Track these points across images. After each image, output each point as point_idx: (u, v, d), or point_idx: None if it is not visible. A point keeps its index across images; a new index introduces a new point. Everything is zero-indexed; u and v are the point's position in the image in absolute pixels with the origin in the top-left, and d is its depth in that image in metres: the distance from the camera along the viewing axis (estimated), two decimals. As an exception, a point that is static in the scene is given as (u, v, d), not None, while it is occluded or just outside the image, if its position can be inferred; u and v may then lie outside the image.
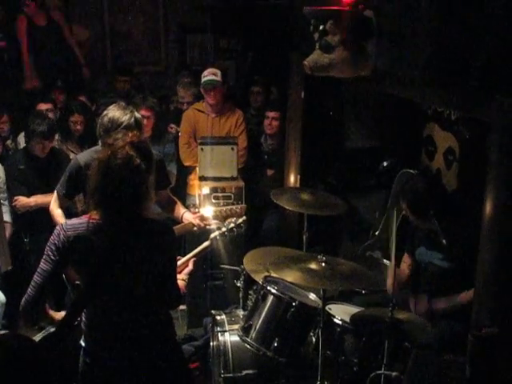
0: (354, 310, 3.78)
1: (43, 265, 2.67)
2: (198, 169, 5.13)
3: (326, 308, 3.57)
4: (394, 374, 3.30)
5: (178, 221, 4.00)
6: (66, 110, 5.57)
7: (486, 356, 2.86)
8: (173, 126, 5.85)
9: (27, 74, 6.54)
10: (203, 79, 5.36)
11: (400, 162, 5.03)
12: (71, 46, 6.90)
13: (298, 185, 5.26)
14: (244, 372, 3.63)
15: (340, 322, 3.63)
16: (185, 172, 5.64)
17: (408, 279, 4.12)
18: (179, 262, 3.20)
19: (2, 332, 3.97)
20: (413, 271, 4.13)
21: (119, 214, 2.61)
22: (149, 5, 7.70)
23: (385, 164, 5.17)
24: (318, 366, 3.38)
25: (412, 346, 3.41)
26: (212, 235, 3.75)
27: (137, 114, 3.72)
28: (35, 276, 2.68)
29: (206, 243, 3.66)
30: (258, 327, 3.54)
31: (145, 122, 4.55)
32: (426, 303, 3.86)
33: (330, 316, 3.66)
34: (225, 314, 4.01)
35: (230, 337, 3.75)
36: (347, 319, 3.56)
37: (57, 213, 3.85)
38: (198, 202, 5.10)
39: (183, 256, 3.45)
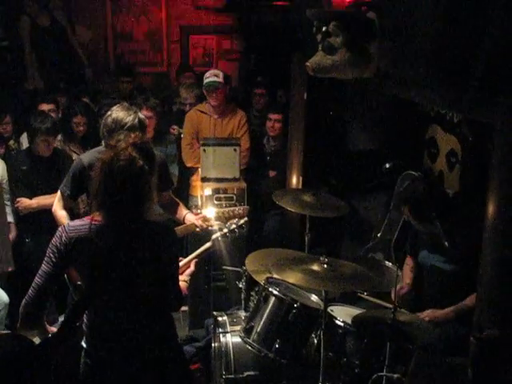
0: (356, 311, 3.77)
1: (44, 266, 2.67)
2: (200, 170, 5.14)
3: (328, 309, 3.57)
4: (395, 375, 3.30)
5: (180, 222, 4.00)
6: (69, 111, 5.57)
7: (488, 358, 2.86)
8: (175, 127, 5.85)
9: (30, 75, 6.55)
10: (205, 81, 5.36)
11: (402, 164, 5.02)
12: (74, 46, 6.92)
13: (300, 186, 5.26)
14: (245, 373, 3.63)
15: (342, 324, 3.63)
16: (187, 173, 5.64)
17: (411, 283, 4.12)
18: (181, 263, 3.19)
19: (3, 332, 3.97)
20: (415, 274, 4.13)
21: (121, 215, 2.61)
22: (151, 6, 7.72)
23: (387, 166, 5.16)
24: (319, 368, 3.38)
25: (414, 348, 3.41)
26: (214, 236, 3.76)
27: (141, 115, 3.72)
28: (36, 278, 2.68)
29: (208, 244, 3.66)
30: (259, 328, 3.53)
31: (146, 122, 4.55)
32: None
33: (332, 317, 3.66)
34: (226, 315, 4.01)
35: (231, 338, 3.75)
36: (349, 321, 3.56)
37: (60, 214, 3.82)
38: (200, 202, 5.10)
39: (185, 257, 3.46)
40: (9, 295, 4.48)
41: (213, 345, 4.03)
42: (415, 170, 4.78)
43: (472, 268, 3.27)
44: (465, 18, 2.87)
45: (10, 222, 4.75)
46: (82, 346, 2.79)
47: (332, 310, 3.78)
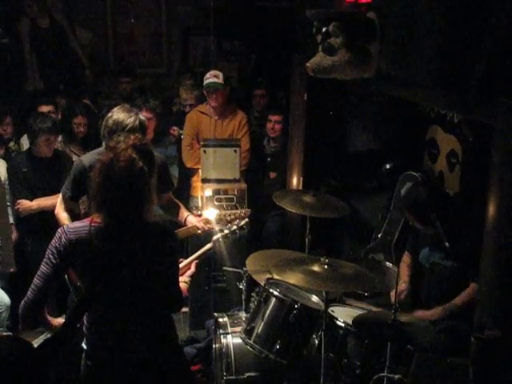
0: (357, 312, 3.77)
1: (43, 268, 2.66)
2: (200, 171, 5.14)
3: (329, 310, 3.57)
4: (396, 376, 3.30)
5: (181, 224, 4.00)
6: (69, 112, 5.57)
7: (489, 358, 2.86)
8: (175, 128, 5.85)
9: (30, 76, 6.55)
10: (205, 82, 5.35)
11: (403, 165, 5.02)
12: (74, 48, 6.91)
13: (300, 187, 5.26)
14: (246, 374, 3.63)
15: (343, 325, 3.63)
16: (187, 174, 5.64)
17: (408, 281, 4.12)
18: (181, 265, 3.19)
19: (2, 334, 3.96)
20: (413, 272, 4.13)
21: (121, 216, 2.61)
22: (151, 7, 7.72)
23: (387, 166, 5.16)
24: (320, 369, 3.37)
25: (415, 349, 3.41)
26: (214, 237, 3.75)
27: (141, 117, 3.72)
28: (35, 279, 2.67)
29: (209, 245, 3.65)
30: (260, 329, 3.53)
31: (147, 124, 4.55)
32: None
33: (333, 318, 3.66)
34: (227, 316, 4.01)
35: (232, 339, 3.75)
36: (350, 321, 3.56)
37: (63, 216, 3.83)
38: (200, 204, 5.10)
39: (186, 258, 3.45)
40: (10, 296, 4.49)
41: (213, 346, 4.03)
42: (415, 171, 4.79)
43: (472, 267, 3.27)
44: (465, 19, 2.87)
45: (10, 224, 4.75)
46: (82, 348, 2.78)
47: (333, 311, 3.78)
